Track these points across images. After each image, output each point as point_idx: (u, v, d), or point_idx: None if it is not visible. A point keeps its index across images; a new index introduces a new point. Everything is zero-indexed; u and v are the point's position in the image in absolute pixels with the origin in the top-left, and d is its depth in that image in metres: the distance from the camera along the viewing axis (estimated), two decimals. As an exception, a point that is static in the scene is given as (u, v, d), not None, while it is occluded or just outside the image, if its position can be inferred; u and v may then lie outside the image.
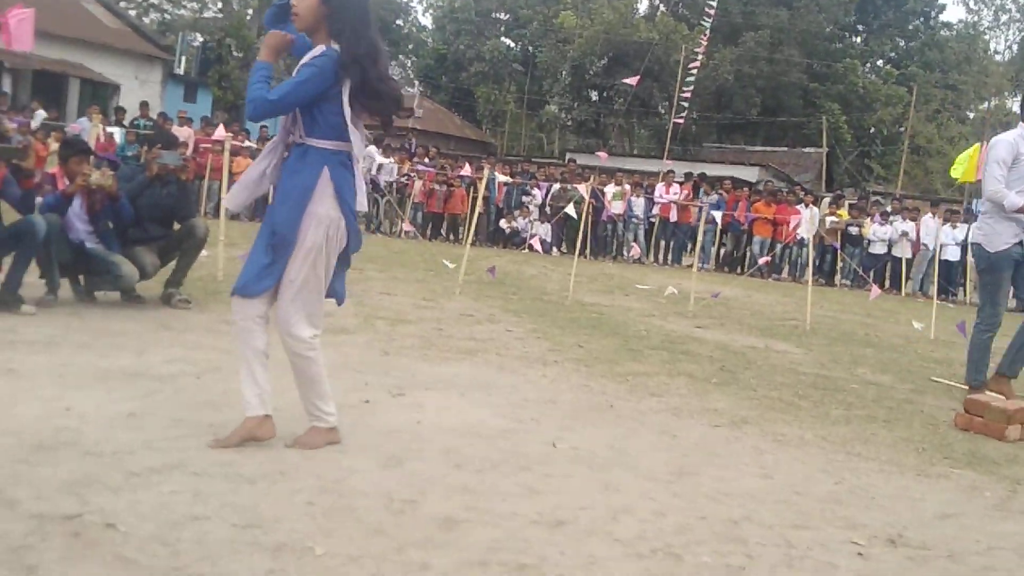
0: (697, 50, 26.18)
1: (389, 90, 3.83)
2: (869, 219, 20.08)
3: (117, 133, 16.91)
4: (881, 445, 5.10)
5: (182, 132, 18.87)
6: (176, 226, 7.34)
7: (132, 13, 37.86)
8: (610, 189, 19.58)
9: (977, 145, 18.31)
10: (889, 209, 21.10)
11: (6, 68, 28.63)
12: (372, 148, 20.16)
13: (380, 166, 19.29)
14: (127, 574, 2.50)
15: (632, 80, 21.53)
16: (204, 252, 7.80)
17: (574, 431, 4.66)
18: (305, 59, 3.78)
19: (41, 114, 18.14)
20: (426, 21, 52.83)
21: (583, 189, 12.52)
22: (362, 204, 3.95)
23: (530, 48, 45.23)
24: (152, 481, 3.24)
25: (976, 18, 45.22)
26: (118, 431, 3.79)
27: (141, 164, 7.67)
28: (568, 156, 30.91)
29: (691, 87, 25.91)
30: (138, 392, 4.49)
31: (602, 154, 19.46)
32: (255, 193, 4.00)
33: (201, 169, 17.94)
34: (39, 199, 6.72)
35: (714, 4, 25.53)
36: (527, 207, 19.81)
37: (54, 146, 13.76)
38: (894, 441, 5.24)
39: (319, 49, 3.76)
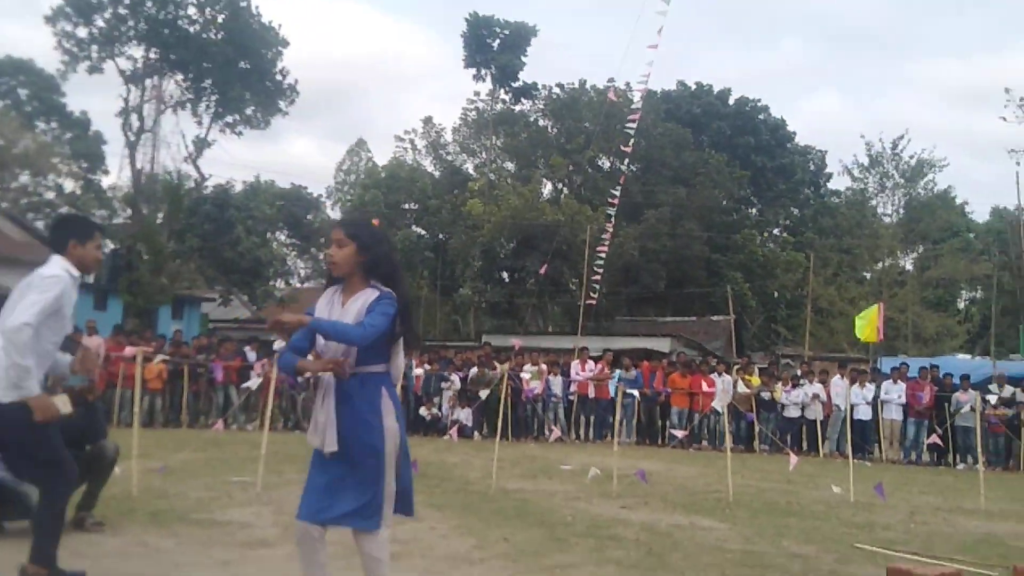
0: (604, 234, 27.02)
1: (418, 336, 4.31)
2: (780, 383, 20.53)
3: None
4: (809, 623, 5.12)
5: (92, 342, 18.64)
6: (86, 448, 7.19)
7: (40, 225, 37.86)
8: (527, 370, 19.76)
9: (875, 306, 19.07)
10: (799, 372, 21.62)
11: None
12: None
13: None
14: None
15: (541, 269, 22.11)
16: (116, 469, 7.64)
17: (503, 636, 4.61)
18: (360, 301, 4.30)
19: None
20: (335, 214, 53.70)
21: (499, 371, 12.65)
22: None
23: (440, 235, 46.15)
24: None
25: (862, 185, 47.59)
26: None
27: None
28: (484, 339, 31.22)
29: (601, 266, 26.62)
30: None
31: (516, 341, 19.76)
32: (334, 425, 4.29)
33: (113, 379, 17.70)
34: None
35: (617, 192, 26.53)
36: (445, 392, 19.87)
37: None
38: (822, 618, 5.27)
39: (370, 293, 4.30)
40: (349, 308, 4.27)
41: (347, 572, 5.74)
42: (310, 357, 4.36)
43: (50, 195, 44.41)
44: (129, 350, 10.19)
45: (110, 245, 36.96)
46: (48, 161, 43.21)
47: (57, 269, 5.26)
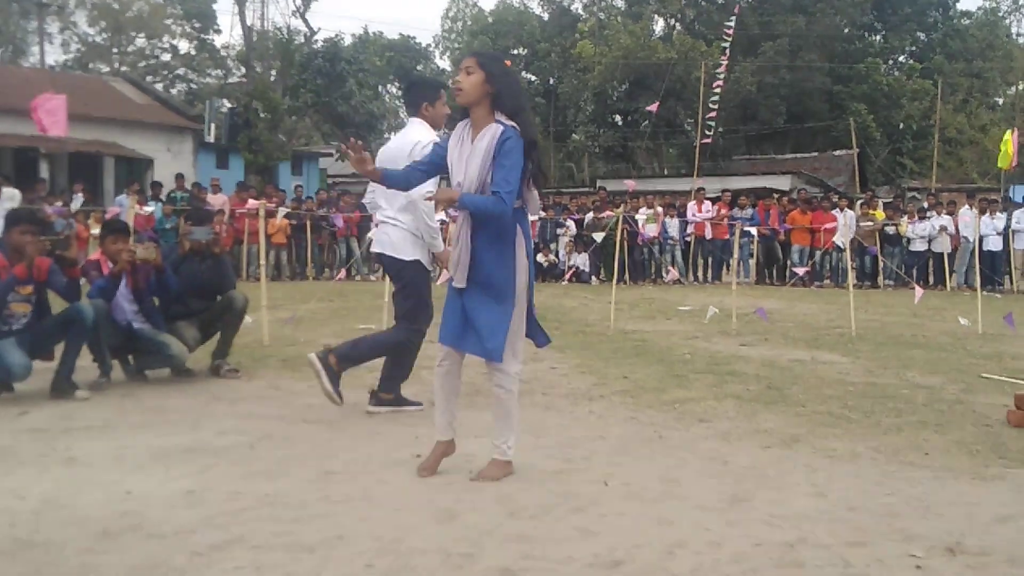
0: (719, 69, 26.23)
1: (546, 173, 4.52)
2: (906, 217, 19.94)
3: (154, 208, 17.23)
4: (934, 451, 5.09)
5: (216, 200, 19.21)
6: (217, 298, 7.46)
7: (159, 87, 38.61)
8: (643, 213, 19.60)
9: (1008, 131, 18.16)
10: (925, 205, 20.96)
11: (42, 153, 29.27)
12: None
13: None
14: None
15: (652, 107, 21.66)
16: (248, 318, 7.93)
17: (624, 466, 4.70)
18: (487, 138, 4.24)
19: (80, 197, 18.51)
20: (444, 64, 53.28)
21: (615, 215, 12.58)
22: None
23: (551, 80, 45.46)
24: (215, 559, 3.32)
25: (994, 3, 44.75)
26: (179, 510, 3.88)
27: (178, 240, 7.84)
28: (598, 184, 30.99)
29: (716, 104, 25.95)
30: (195, 468, 4.59)
31: (630, 183, 19.52)
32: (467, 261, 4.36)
33: (239, 234, 18.24)
34: (85, 283, 6.90)
35: (732, 24, 25.59)
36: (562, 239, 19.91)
37: (95, 228, 14.04)
38: (947, 445, 5.22)
39: (496, 129, 4.25)
40: (477, 146, 4.26)
41: (470, 411, 5.91)
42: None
43: (166, 57, 45.07)
44: (251, 203, 10.39)
45: (227, 104, 37.56)
46: (161, 22, 43.70)
47: (423, 133, 5.80)
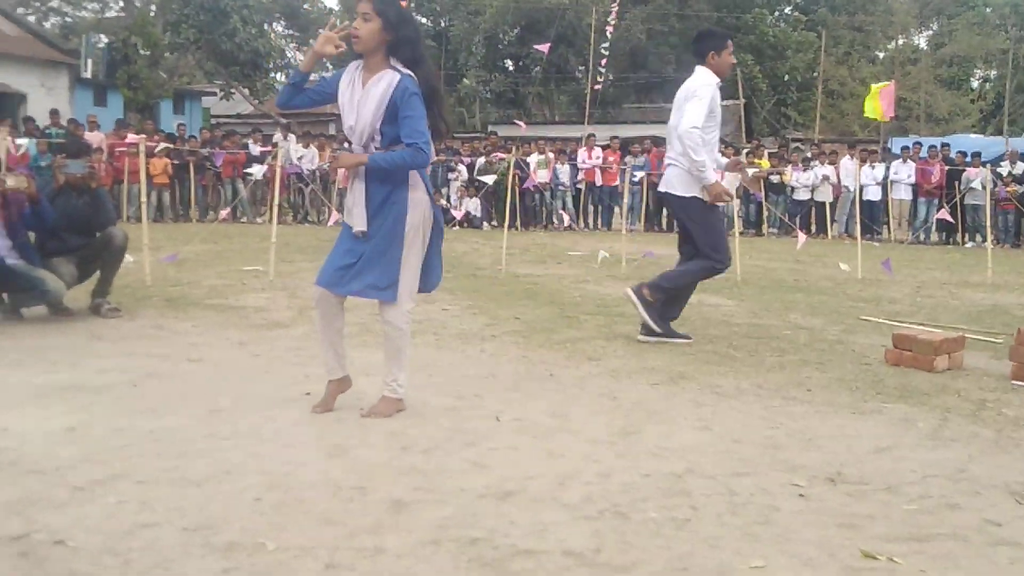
0: (609, 16, 26.25)
1: (448, 122, 4.48)
2: (790, 166, 20.40)
3: (28, 144, 16.53)
4: (815, 387, 5.24)
5: (94, 137, 18.49)
6: (96, 235, 7.20)
7: (31, 19, 36.91)
8: (534, 158, 19.62)
9: (884, 83, 18.65)
10: (809, 155, 21.46)
11: (-94, 88, 27.75)
12: (291, 138, 19.98)
13: (300, 156, 19.13)
14: (80, 589, 2.50)
15: (543, 47, 21.61)
16: (129, 258, 7.69)
17: (516, 403, 4.72)
18: (382, 84, 4.14)
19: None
20: (331, 3, 52.09)
21: (506, 160, 12.56)
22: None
23: (441, 22, 44.90)
24: (97, 494, 3.22)
25: (877, -42, 45.77)
26: (59, 447, 3.75)
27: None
28: (489, 129, 30.87)
29: (607, 51, 26.01)
30: (75, 406, 4.44)
31: (520, 123, 19.45)
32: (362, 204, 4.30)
33: (119, 174, 17.66)
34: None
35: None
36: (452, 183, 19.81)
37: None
38: (828, 382, 5.38)
39: (392, 77, 4.16)
40: (370, 91, 4.14)
41: (362, 350, 5.86)
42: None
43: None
44: (131, 138, 10.04)
45: (104, 39, 36.14)
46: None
47: (706, 78, 6.36)
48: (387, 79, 4.15)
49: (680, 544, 2.90)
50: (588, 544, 2.88)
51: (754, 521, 3.13)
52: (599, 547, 2.85)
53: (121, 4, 37.44)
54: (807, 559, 2.81)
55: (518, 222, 18.61)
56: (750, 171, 19.42)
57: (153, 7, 34.66)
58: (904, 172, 19.44)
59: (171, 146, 13.60)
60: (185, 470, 3.50)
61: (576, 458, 3.78)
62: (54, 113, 19.97)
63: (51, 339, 6.17)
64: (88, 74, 32.30)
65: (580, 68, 38.56)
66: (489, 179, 13.89)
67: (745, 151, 22.42)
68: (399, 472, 3.55)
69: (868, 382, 5.42)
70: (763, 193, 19.28)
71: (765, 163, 20.57)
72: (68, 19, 43.71)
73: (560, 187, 20.07)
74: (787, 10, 49.54)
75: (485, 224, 18.98)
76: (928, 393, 5.17)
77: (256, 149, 19.08)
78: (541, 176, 19.48)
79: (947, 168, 19.17)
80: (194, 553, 2.72)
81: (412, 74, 4.17)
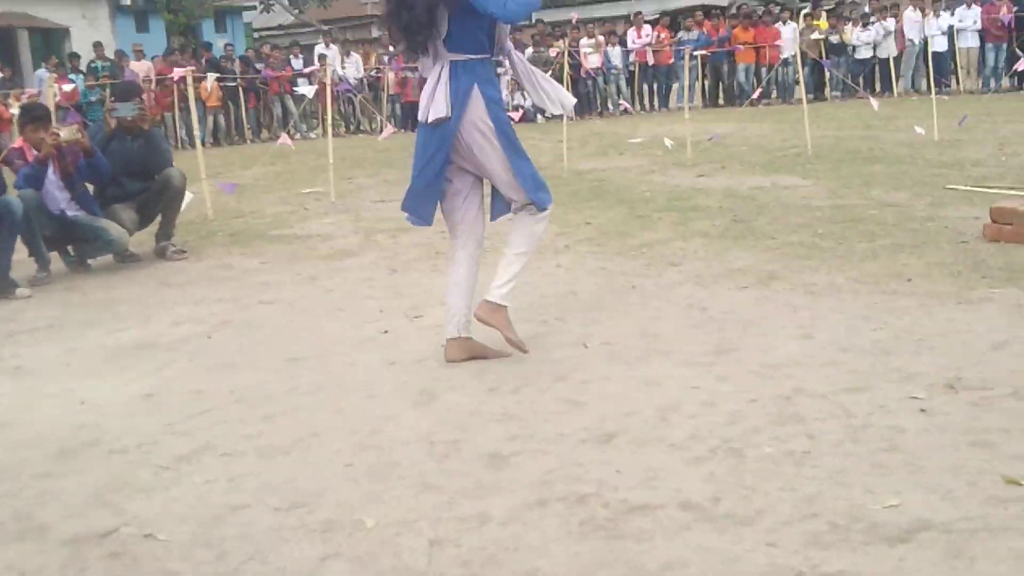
0: None
1: None
2: (850, 24, 19.56)
3: (76, 82, 16.41)
4: (915, 276, 4.94)
5: (140, 67, 18.35)
6: (154, 178, 7.05)
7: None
8: (585, 44, 19.05)
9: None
10: (867, 10, 20.54)
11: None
12: (333, 49, 19.63)
13: (344, 64, 18.81)
14: (177, 592, 2.37)
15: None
16: (189, 195, 7.55)
17: (601, 324, 4.51)
18: None
19: (-2, 75, 17.61)
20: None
21: (557, 48, 12.14)
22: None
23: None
24: (183, 473, 3.09)
25: None
26: (138, 418, 3.64)
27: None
28: (535, 17, 30.03)
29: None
30: (151, 367, 4.33)
31: (574, 14, 18.89)
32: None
33: (168, 103, 17.52)
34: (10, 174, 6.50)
35: None
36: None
37: (15, 108, 13.32)
38: (927, 269, 5.08)
39: None
40: None
41: (434, 275, 5.68)
42: None
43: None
44: (177, 72, 9.82)
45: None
46: None
47: None
48: None
49: (803, 484, 2.69)
50: (705, 492, 2.68)
51: (879, 448, 2.90)
52: (717, 495, 2.65)
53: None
54: (945, 491, 2.58)
55: (573, 111, 18.16)
56: (808, 34, 18.72)
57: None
58: (970, 18, 18.49)
59: (216, 75, 13.34)
60: (271, 436, 3.36)
61: (674, 386, 3.57)
62: (98, 46, 19.77)
63: (120, 291, 6.07)
64: (128, 1, 31.93)
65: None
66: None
67: (802, 12, 21.57)
68: (491, 419, 3.37)
69: (970, 264, 5.10)
70: (824, 55, 18.51)
71: (823, 23, 19.73)
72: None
73: (613, 71, 19.51)
74: None
75: (539, 116, 18.55)
76: (1037, 272, 4.85)
77: (299, 63, 18.82)
78: (592, 61, 18.94)
79: (1016, 9, 18.15)
80: (289, 538, 2.58)
81: None
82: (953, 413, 3.14)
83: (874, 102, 11.71)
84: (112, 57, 19.34)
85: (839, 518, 2.48)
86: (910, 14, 18.91)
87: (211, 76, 11.75)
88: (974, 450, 2.85)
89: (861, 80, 18.57)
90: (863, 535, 2.38)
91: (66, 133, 6.50)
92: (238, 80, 17.83)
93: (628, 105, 18.65)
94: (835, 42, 19.34)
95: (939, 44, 18.40)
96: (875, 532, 2.39)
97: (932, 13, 18.47)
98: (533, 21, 26.24)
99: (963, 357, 3.67)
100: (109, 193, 6.92)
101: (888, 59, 19.01)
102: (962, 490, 2.59)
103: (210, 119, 17.98)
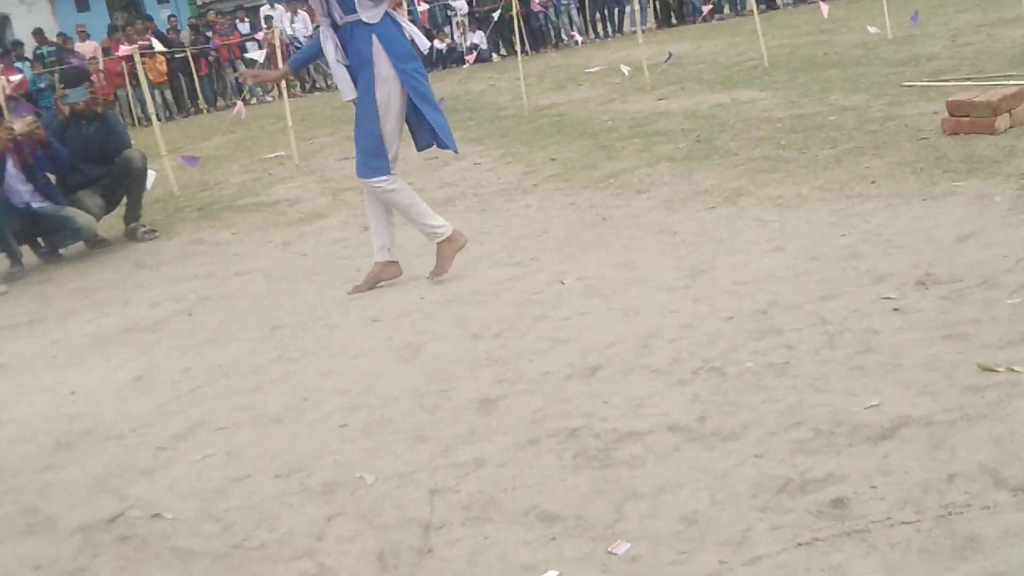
0: None
1: None
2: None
3: (24, 70, 16.15)
4: (879, 178, 5.00)
5: (86, 47, 18.08)
6: (114, 161, 7.00)
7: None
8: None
9: None
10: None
11: None
12: (279, 8, 19.39)
13: (293, 25, 18.60)
14: (189, 568, 2.43)
15: None
16: (152, 172, 7.50)
17: (576, 259, 4.55)
18: None
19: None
20: None
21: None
22: (423, 45, 4.96)
23: None
24: (181, 451, 3.14)
25: None
26: (130, 402, 3.68)
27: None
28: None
29: None
30: (136, 350, 4.36)
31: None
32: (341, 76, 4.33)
33: (120, 81, 17.30)
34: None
35: None
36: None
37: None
38: (890, 169, 5.14)
39: None
40: None
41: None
42: None
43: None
44: (123, 50, 9.71)
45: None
46: None
47: None
48: None
49: (785, 394, 2.77)
50: (690, 413, 2.75)
51: (856, 351, 2.98)
52: (703, 415, 2.73)
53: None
54: (922, 386, 2.66)
55: (527, 46, 18.04)
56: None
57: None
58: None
59: (163, 48, 13.15)
60: (263, 406, 3.41)
61: (653, 313, 3.63)
62: (38, 32, 19.41)
63: (95, 277, 6.07)
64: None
65: None
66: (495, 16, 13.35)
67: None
68: (477, 364, 3.43)
69: (931, 160, 5.17)
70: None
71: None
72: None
73: (563, 3, 19.36)
74: None
75: (494, 55, 18.44)
76: (997, 161, 4.92)
77: (246, 27, 18.59)
78: (542, -6, 18.79)
79: None
80: (293, 503, 2.64)
81: None
82: (926, 309, 3.22)
83: (824, 7, 11.68)
84: (56, 40, 19.00)
85: (822, 423, 2.56)
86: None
87: (156, 44, 11.57)
88: (948, 343, 2.93)
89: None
90: (847, 437, 2.46)
91: (20, 126, 6.45)
92: (187, 50, 17.58)
93: (580, 34, 18.54)
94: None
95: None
96: (858, 433, 2.47)
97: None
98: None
99: (931, 253, 3.74)
100: (71, 181, 6.87)
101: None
102: (939, 383, 2.67)
103: (157, 94, 17.74)
